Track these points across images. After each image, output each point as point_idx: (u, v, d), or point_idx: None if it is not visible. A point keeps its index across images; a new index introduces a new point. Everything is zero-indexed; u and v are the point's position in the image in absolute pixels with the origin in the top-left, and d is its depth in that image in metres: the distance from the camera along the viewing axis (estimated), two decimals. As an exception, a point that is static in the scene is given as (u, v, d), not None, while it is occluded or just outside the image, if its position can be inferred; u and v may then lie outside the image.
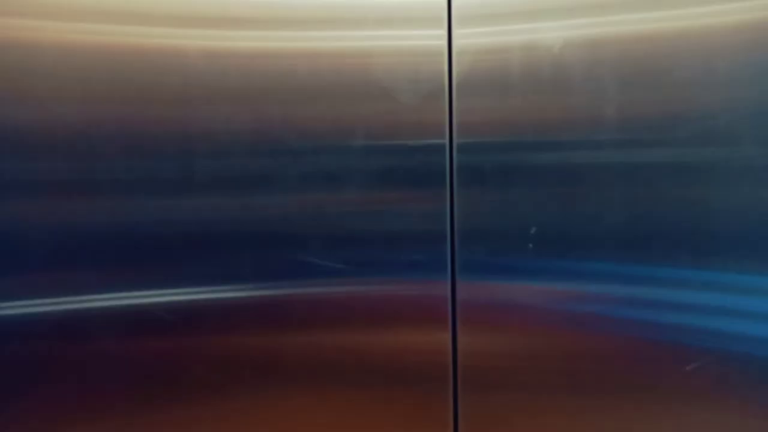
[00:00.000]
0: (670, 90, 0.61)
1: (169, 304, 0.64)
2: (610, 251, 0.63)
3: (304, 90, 0.63)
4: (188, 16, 0.62)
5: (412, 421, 0.65)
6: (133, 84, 0.62)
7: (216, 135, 0.63)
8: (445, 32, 0.62)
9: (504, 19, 0.62)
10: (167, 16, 0.63)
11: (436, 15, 0.62)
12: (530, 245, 0.63)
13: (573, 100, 0.62)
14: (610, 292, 0.63)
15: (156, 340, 0.65)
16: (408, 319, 0.65)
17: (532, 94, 0.62)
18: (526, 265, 0.64)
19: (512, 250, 0.63)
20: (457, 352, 0.65)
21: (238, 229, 0.64)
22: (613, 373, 0.64)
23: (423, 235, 0.64)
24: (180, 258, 0.64)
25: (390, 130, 0.63)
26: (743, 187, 0.62)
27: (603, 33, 0.62)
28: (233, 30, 0.63)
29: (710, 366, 0.63)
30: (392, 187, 0.64)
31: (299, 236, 0.64)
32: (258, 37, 0.63)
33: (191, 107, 0.62)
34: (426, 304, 0.65)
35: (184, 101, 0.62)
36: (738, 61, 0.61)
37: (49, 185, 0.64)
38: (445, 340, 0.64)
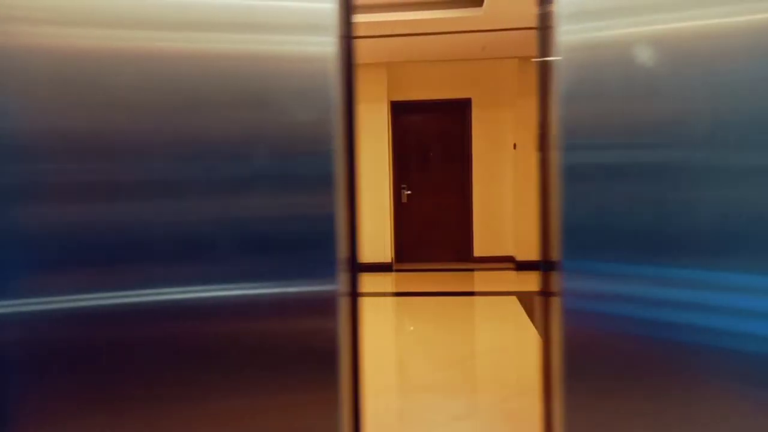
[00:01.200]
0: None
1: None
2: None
3: (197, 95, 0.62)
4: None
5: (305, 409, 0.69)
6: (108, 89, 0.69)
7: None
8: (334, 39, 0.57)
9: (610, 15, 0.60)
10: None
11: (325, 23, 0.57)
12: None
13: (668, 100, 0.60)
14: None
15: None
16: (301, 314, 0.63)
17: (631, 94, 0.59)
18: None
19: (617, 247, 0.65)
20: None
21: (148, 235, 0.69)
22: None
23: (314, 236, 0.60)
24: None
25: (282, 137, 0.60)
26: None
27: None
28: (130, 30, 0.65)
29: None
30: (285, 193, 0.62)
31: (202, 241, 0.64)
32: (152, 38, 0.63)
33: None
34: (318, 299, 0.61)
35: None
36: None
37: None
38: (334, 332, 0.62)
